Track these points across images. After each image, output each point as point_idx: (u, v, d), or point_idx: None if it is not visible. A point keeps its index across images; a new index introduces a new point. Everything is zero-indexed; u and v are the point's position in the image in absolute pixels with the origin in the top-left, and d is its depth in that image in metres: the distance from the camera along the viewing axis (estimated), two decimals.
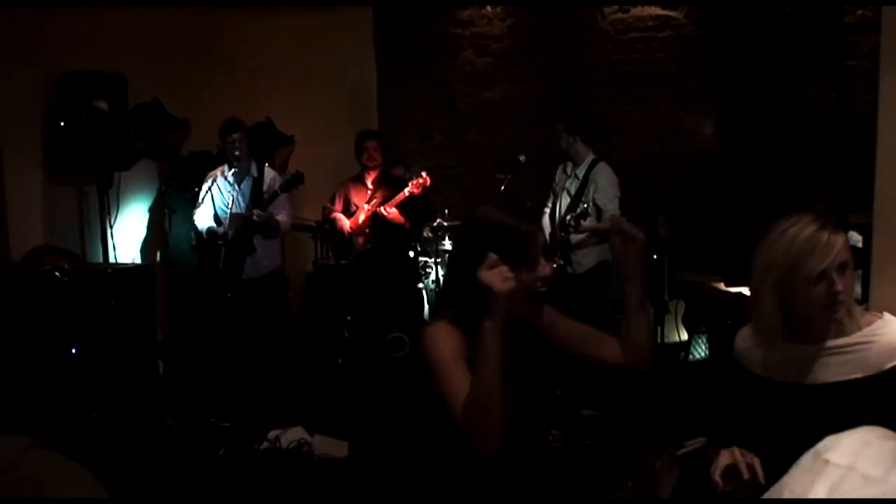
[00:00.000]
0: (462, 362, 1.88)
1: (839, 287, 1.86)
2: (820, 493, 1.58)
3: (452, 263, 2.16)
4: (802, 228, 1.89)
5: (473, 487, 1.91)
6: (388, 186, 5.77)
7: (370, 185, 5.81)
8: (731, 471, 1.87)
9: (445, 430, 1.87)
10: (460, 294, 1.96)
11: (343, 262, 5.84)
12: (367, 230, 5.78)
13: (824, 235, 1.87)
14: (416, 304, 6.00)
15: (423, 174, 5.73)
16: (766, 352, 1.99)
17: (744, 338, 2.11)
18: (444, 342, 1.92)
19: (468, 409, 1.80)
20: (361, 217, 5.76)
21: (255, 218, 5.18)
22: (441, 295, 2.10)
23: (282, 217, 5.38)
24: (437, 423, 1.90)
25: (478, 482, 1.90)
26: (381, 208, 5.67)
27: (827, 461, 1.64)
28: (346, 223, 5.81)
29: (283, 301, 5.80)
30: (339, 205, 5.91)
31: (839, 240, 1.88)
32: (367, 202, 5.75)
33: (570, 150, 5.35)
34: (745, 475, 1.83)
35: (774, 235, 1.93)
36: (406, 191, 5.66)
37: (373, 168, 5.78)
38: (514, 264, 1.87)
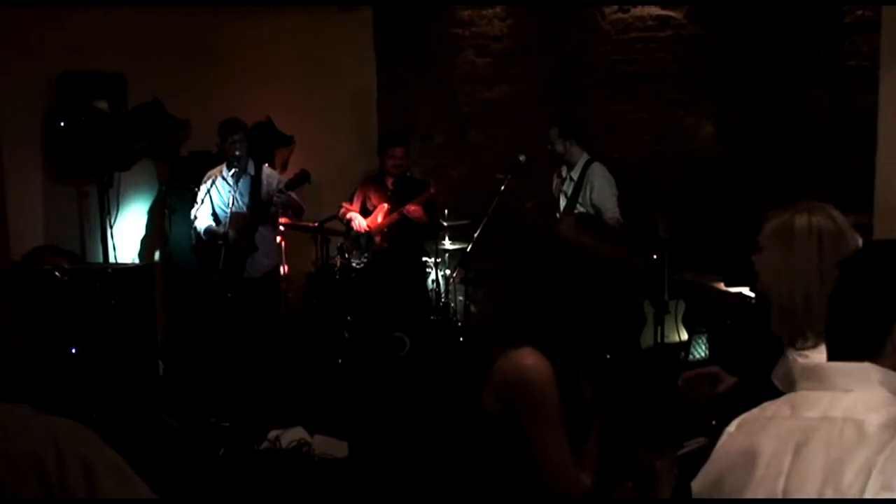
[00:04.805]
0: (562, 423, 1.78)
1: None
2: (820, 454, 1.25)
3: (542, 289, 1.81)
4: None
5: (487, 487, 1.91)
6: (409, 188, 5.77)
7: (390, 187, 5.82)
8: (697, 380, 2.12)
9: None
10: (555, 326, 1.79)
11: (357, 263, 5.82)
12: (386, 229, 5.78)
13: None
14: (422, 304, 6.00)
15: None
16: None
17: None
18: (552, 389, 1.75)
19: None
20: (380, 217, 5.76)
21: (275, 199, 5.21)
22: (520, 318, 1.83)
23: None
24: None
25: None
26: (405, 207, 5.67)
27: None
28: (362, 223, 5.80)
29: (283, 300, 5.80)
30: (356, 204, 5.91)
31: None
32: (387, 202, 5.76)
33: (566, 153, 5.34)
34: (704, 385, 2.10)
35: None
36: (432, 189, 5.71)
37: (397, 173, 5.80)
38: (615, 307, 1.79)
